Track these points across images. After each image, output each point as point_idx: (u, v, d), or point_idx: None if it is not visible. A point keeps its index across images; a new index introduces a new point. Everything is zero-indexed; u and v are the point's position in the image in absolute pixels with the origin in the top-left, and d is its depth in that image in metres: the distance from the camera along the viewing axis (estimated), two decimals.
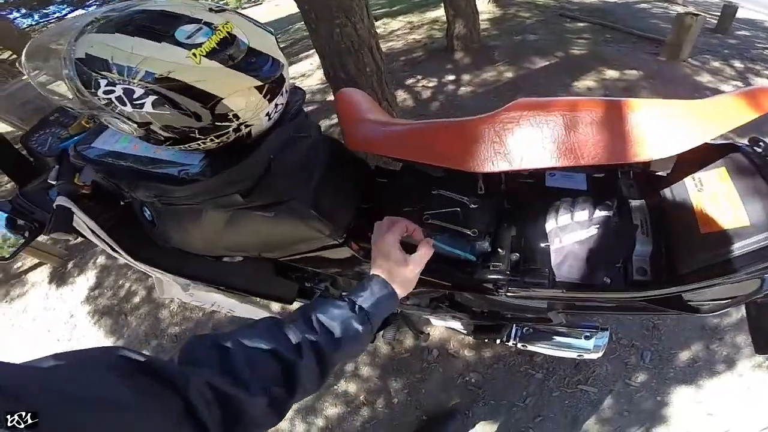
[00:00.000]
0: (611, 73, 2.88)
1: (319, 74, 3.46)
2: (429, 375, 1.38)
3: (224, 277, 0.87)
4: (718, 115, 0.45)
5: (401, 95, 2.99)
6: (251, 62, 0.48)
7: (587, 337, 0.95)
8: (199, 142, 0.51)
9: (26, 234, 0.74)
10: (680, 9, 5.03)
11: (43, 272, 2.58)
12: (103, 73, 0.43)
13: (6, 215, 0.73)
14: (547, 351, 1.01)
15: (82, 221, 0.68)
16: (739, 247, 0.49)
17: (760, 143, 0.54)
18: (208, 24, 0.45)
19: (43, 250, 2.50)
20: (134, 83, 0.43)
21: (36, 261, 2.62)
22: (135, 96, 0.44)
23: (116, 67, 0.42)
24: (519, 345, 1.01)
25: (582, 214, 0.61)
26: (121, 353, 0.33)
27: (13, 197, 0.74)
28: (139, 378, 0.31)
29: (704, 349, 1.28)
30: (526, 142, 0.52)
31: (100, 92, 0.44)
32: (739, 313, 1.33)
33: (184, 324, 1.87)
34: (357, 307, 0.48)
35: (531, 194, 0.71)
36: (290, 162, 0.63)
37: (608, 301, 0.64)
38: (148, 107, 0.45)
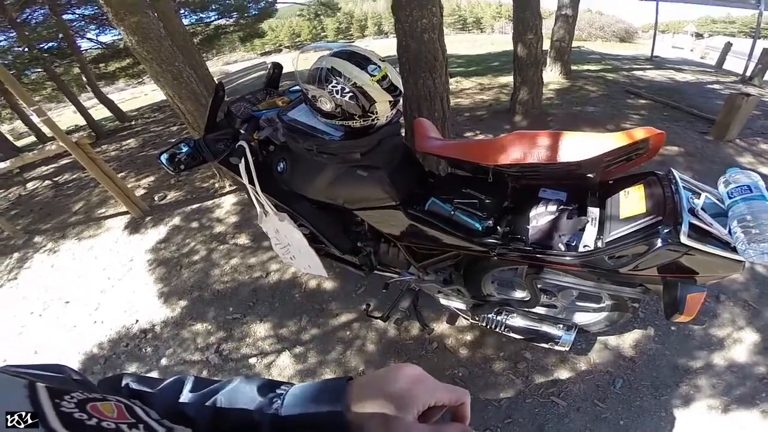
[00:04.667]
0: None
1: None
2: (424, 363, 1.71)
3: (314, 218, 1.40)
4: (612, 140, 0.91)
5: None
6: (391, 88, 1.10)
7: (560, 330, 1.31)
8: (354, 121, 1.12)
9: (181, 167, 1.22)
10: (753, 90, 5.17)
11: (122, 221, 3.28)
12: (336, 77, 1.06)
13: (169, 153, 1.21)
14: (525, 338, 1.38)
15: (245, 158, 1.23)
16: (635, 224, 0.92)
17: (669, 173, 1.00)
18: (379, 66, 1.08)
19: (133, 200, 3.20)
20: (347, 86, 1.05)
21: (119, 210, 3.36)
22: (345, 91, 1.06)
23: (342, 77, 1.05)
24: (504, 331, 1.39)
25: (553, 208, 1.07)
26: None
27: (198, 139, 1.27)
28: None
29: (675, 387, 1.51)
30: (515, 150, 1.02)
31: (329, 86, 1.07)
32: (714, 359, 1.59)
33: (229, 283, 2.37)
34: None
35: (526, 198, 1.17)
36: (386, 147, 1.20)
37: (563, 262, 1.05)
38: (346, 98, 1.07)
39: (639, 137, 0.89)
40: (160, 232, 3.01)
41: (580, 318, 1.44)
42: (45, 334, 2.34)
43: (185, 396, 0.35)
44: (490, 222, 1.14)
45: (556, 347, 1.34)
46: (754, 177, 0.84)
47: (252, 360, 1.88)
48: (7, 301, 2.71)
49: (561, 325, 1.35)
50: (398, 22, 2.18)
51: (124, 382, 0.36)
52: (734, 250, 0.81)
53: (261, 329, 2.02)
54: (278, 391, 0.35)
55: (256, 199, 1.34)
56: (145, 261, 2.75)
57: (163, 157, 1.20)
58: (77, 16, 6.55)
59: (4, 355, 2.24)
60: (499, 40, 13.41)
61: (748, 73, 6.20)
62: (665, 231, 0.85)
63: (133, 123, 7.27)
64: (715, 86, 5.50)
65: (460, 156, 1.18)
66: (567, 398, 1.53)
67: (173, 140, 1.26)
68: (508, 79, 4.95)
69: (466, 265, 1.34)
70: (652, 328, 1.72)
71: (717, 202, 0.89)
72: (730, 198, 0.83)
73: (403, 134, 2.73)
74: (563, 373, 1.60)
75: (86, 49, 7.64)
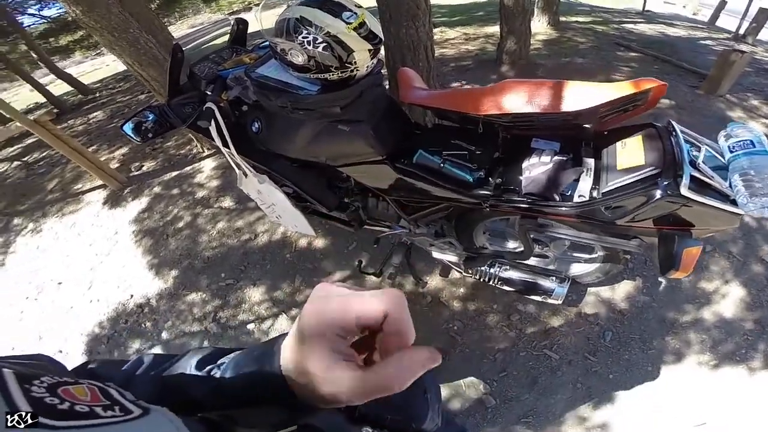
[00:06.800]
0: None
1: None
2: (420, 318, 1.72)
3: (296, 177, 1.32)
4: (613, 89, 0.86)
5: None
6: (370, 36, 0.98)
7: (553, 283, 1.31)
8: (330, 73, 1.01)
9: (149, 135, 1.14)
10: (746, 48, 5.14)
11: (101, 194, 3.13)
12: (307, 27, 0.94)
13: (134, 121, 1.13)
14: (519, 290, 1.38)
15: (214, 120, 1.14)
16: (634, 175, 0.88)
17: (669, 125, 0.94)
18: (355, 13, 0.97)
19: (109, 173, 3.05)
20: (320, 35, 0.94)
21: (95, 184, 3.21)
22: (317, 42, 0.95)
23: (314, 26, 0.93)
24: (498, 284, 1.38)
25: (546, 158, 1.02)
26: None
27: (162, 104, 1.18)
28: None
29: (660, 340, 1.56)
30: (509, 99, 0.94)
31: (300, 37, 0.95)
32: (699, 313, 1.63)
33: (218, 249, 2.31)
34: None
35: (518, 148, 1.11)
36: (368, 99, 1.10)
37: (558, 212, 1.02)
38: (320, 49, 0.96)
39: (643, 87, 0.83)
40: (142, 202, 2.90)
41: (572, 269, 1.44)
42: (44, 318, 2.30)
43: (139, 372, 0.35)
44: (482, 173, 1.08)
45: (549, 300, 1.35)
46: (756, 132, 0.80)
47: (250, 326, 1.88)
48: (1, 288, 2.63)
49: (554, 278, 1.35)
50: None
51: (89, 367, 0.35)
52: (733, 203, 0.79)
53: (256, 293, 2.00)
54: (219, 361, 0.34)
55: (233, 161, 1.27)
56: (131, 233, 2.66)
57: (128, 127, 1.11)
58: None
59: (11, 344, 2.21)
60: None
61: (742, 31, 6.10)
62: (665, 182, 0.82)
63: (97, 95, 6.79)
64: (708, 42, 5.38)
65: (448, 106, 1.09)
66: (559, 351, 1.56)
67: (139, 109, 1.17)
68: (495, 29, 4.70)
69: (458, 216, 1.30)
70: (640, 279, 1.73)
71: (717, 155, 0.85)
72: (731, 152, 0.80)
73: (387, 85, 2.60)
74: (555, 325, 1.63)
75: (29, 25, 7.25)
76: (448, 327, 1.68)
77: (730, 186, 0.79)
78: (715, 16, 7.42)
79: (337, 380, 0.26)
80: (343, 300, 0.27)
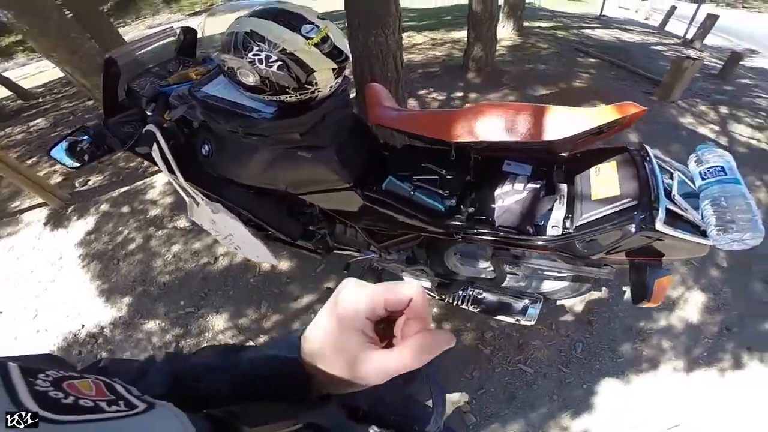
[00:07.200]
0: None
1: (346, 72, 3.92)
2: None
3: (252, 206, 1.20)
4: (595, 116, 0.81)
5: (411, 103, 3.42)
6: (334, 53, 0.87)
7: (525, 304, 1.28)
8: (288, 95, 0.89)
9: (85, 158, 1.02)
10: (693, 53, 5.51)
11: (41, 213, 2.83)
12: (258, 43, 0.81)
13: (68, 142, 1.01)
14: (492, 313, 1.34)
15: (157, 144, 1.01)
16: (609, 207, 0.84)
17: (642, 149, 0.91)
18: (317, 26, 0.84)
19: (49, 189, 2.76)
20: (273, 53, 0.81)
21: (35, 202, 2.89)
22: (271, 60, 0.82)
23: (267, 42, 0.81)
24: (471, 308, 1.34)
25: (519, 186, 0.97)
26: None
27: (98, 123, 1.05)
28: None
29: (630, 348, 1.60)
30: (484, 125, 0.88)
31: (250, 54, 0.82)
32: (663, 319, 1.68)
33: (175, 273, 2.14)
34: None
35: (490, 173, 1.06)
36: (332, 122, 1.00)
37: (532, 245, 0.98)
38: (274, 68, 0.83)
39: (626, 113, 0.79)
40: (88, 222, 2.64)
41: (542, 286, 1.42)
42: None
43: (152, 367, 0.35)
44: (453, 201, 1.02)
45: (522, 321, 1.32)
46: (726, 156, 0.78)
47: None
48: None
49: (526, 299, 1.32)
50: None
51: (99, 366, 0.35)
52: (704, 234, 0.77)
53: (219, 321, 1.86)
54: (241, 353, 0.35)
55: (182, 189, 1.14)
56: (77, 257, 2.42)
57: (58, 151, 0.99)
58: None
59: None
60: None
61: (690, 36, 6.51)
62: (641, 216, 0.79)
63: (40, 100, 6.19)
64: (659, 47, 5.71)
65: (420, 131, 1.01)
66: (533, 365, 1.57)
67: (87, 117, 1.03)
68: (461, 34, 4.75)
69: (429, 243, 1.24)
70: (606, 290, 1.76)
71: (688, 181, 0.83)
72: (703, 179, 0.77)
73: (354, 95, 2.49)
74: (528, 340, 1.63)
75: None
76: None
77: (702, 217, 0.77)
78: (665, 21, 7.90)
79: (368, 359, 0.29)
80: (375, 289, 0.30)
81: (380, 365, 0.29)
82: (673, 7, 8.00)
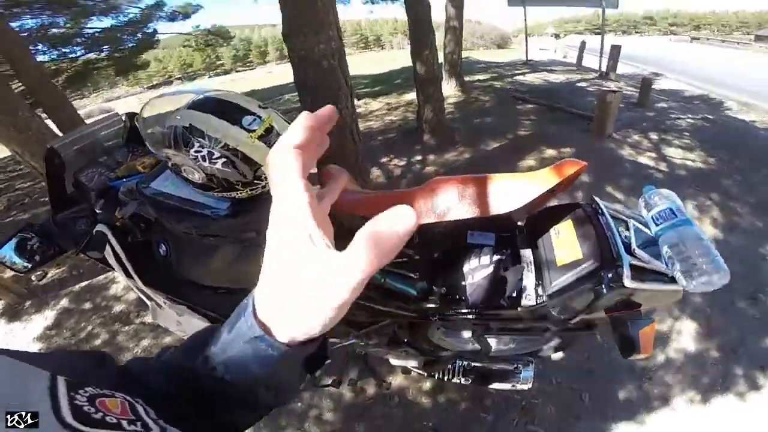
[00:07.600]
0: (550, 152, 3.59)
1: None
2: (391, 420, 1.56)
3: (218, 307, 1.13)
4: (539, 181, 0.85)
5: (375, 172, 3.56)
6: None
7: (518, 368, 1.24)
8: (238, 192, 0.86)
9: (36, 258, 0.96)
10: (612, 86, 6.10)
11: None
12: (199, 139, 0.77)
13: (16, 240, 0.94)
14: (485, 383, 1.28)
15: (110, 246, 0.95)
16: (575, 272, 0.85)
17: (593, 203, 0.95)
18: (258, 116, 0.81)
19: (2, 283, 2.55)
20: (216, 149, 0.78)
21: None
22: (214, 156, 0.78)
23: (207, 137, 0.77)
24: (462, 380, 1.28)
25: (486, 259, 0.98)
26: None
27: (46, 220, 0.99)
28: None
29: (637, 389, 1.57)
30: (439, 204, 0.90)
31: (192, 150, 0.78)
32: (662, 354, 1.66)
33: None
34: None
35: (456, 248, 1.07)
36: None
37: (508, 317, 0.96)
38: (218, 165, 0.79)
39: (566, 174, 0.83)
40: (47, 317, 2.44)
41: (530, 345, 1.40)
42: None
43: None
44: (425, 283, 1.01)
45: (519, 386, 1.27)
46: (671, 197, 0.81)
47: None
48: None
49: (516, 363, 1.28)
50: (292, 50, 1.94)
51: (126, 366, 0.36)
52: (673, 280, 0.79)
53: None
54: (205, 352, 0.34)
55: (141, 292, 1.06)
56: (36, 351, 2.18)
57: (6, 250, 0.92)
58: None
59: None
60: (399, 56, 14.11)
61: (604, 69, 7.33)
62: (608, 276, 0.80)
63: None
64: (582, 84, 6.38)
65: (377, 213, 1.03)
66: (543, 424, 1.49)
67: (43, 201, 0.96)
68: (412, 96, 5.12)
69: (408, 324, 1.20)
70: (598, 333, 1.75)
71: (643, 228, 0.86)
72: (656, 224, 0.80)
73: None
74: (530, 399, 1.56)
75: None
76: (424, 425, 1.54)
77: (666, 263, 0.79)
78: (581, 56, 8.85)
79: (316, 259, 0.24)
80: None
81: (331, 267, 0.23)
82: (583, 43, 9.07)
